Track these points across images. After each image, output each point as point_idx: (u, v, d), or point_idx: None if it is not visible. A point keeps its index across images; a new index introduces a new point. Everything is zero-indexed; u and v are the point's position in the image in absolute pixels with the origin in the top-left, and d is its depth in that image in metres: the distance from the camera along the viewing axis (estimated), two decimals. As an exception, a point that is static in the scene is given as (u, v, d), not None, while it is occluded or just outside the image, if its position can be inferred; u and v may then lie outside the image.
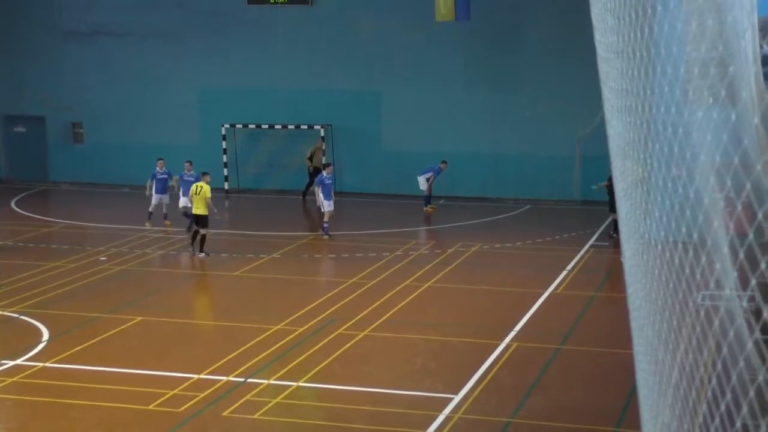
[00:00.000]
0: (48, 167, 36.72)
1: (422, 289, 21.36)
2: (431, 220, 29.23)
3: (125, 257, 24.69)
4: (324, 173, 26.58)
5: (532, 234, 26.80)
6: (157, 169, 27.51)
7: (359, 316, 19.20)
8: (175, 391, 15.24)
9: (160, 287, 21.94)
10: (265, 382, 15.68)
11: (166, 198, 27.34)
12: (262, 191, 34.02)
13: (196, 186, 24.35)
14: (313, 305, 19.99)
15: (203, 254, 23.95)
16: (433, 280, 22.04)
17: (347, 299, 20.54)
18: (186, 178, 26.89)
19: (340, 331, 18.32)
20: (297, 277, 22.55)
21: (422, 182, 29.51)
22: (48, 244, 26.25)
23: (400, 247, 25.37)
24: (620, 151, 5.80)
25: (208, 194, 24.04)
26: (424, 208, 29.64)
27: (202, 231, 23.94)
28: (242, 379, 15.77)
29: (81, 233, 27.96)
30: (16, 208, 31.94)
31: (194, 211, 24.32)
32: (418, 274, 22.55)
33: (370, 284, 21.82)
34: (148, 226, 27.06)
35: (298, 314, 19.40)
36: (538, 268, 23.27)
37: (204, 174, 24.77)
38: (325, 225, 26.33)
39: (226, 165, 34.11)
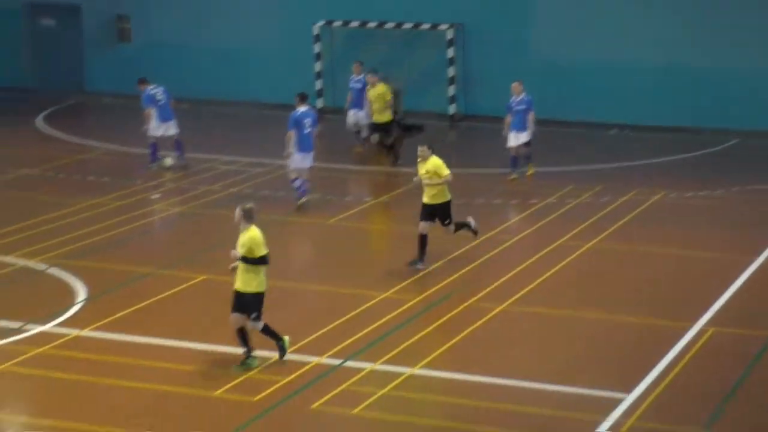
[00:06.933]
0: (85, 73, 37.37)
1: (582, 250, 21.18)
2: (594, 156, 28.84)
3: (186, 195, 25.07)
4: None
5: (740, 179, 26.26)
6: (151, 90, 27.11)
7: (495, 285, 19.14)
8: (249, 375, 15.46)
9: (230, 237, 22.16)
10: (369, 366, 15.78)
11: (173, 126, 27.28)
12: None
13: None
14: (432, 267, 19.99)
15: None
16: (597, 239, 21.83)
17: (479, 261, 20.48)
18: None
19: (468, 303, 18.29)
20: (411, 229, 22.55)
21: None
22: (84, 175, 26.82)
23: (553, 192, 25.14)
24: None
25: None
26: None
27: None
28: (338, 362, 15.90)
29: (127, 162, 28.43)
30: (44, 127, 32.70)
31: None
32: (577, 229, 22.36)
33: (511, 241, 21.72)
34: (155, 167, 27.20)
35: (412, 279, 19.44)
36: (747, 227, 22.83)
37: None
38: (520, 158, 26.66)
39: (319, 76, 34.23)
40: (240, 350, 15.76)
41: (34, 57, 37.98)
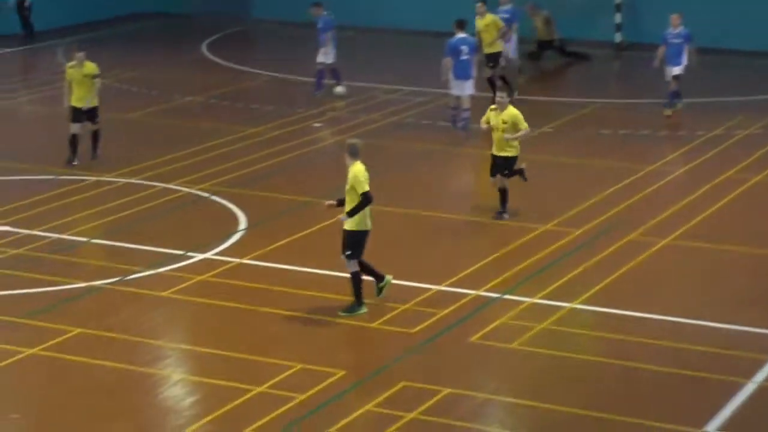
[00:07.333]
0: (250, 0, 37.65)
1: (750, 183, 20.79)
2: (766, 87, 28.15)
3: (346, 124, 25.15)
4: None
5: None
6: (327, 15, 27.04)
7: (659, 218, 18.89)
8: (408, 306, 15.49)
9: (390, 166, 22.18)
10: (528, 300, 15.70)
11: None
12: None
13: None
14: (594, 199, 19.81)
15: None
16: (765, 173, 21.37)
17: (642, 193, 20.25)
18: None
19: (631, 237, 18.08)
20: (572, 160, 22.32)
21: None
22: (247, 103, 27.13)
23: (720, 123, 24.67)
24: None
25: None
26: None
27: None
28: (496, 295, 15.85)
29: (290, 90, 28.66)
30: (207, 54, 33.12)
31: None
32: (746, 162, 21.94)
33: (675, 174, 21.47)
34: (320, 95, 27.04)
35: (573, 211, 19.26)
36: None
37: None
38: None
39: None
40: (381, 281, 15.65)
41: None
